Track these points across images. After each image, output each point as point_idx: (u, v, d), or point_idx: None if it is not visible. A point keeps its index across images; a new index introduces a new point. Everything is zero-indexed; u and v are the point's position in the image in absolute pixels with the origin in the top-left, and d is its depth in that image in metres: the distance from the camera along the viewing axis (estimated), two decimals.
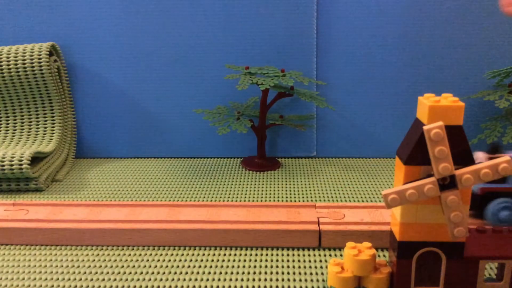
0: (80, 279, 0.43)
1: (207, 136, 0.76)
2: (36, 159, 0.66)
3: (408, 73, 0.73)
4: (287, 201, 0.60)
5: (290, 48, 0.72)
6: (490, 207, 0.48)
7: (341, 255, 0.47)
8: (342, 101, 0.74)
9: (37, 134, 0.71)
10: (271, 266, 0.45)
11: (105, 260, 0.47)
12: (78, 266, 0.46)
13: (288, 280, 0.43)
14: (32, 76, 0.69)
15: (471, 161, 0.34)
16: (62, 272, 0.45)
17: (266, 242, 0.49)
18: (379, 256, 0.47)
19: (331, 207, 0.53)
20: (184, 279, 0.43)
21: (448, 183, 0.34)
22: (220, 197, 0.61)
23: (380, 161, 0.74)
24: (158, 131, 0.77)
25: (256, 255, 0.47)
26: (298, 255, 0.47)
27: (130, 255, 0.48)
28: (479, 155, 0.47)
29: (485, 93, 0.68)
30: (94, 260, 0.47)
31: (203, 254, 0.48)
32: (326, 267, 0.45)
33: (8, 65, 0.69)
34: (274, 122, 0.70)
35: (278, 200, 0.60)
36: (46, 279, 0.44)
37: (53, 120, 0.72)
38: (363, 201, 0.60)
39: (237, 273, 0.44)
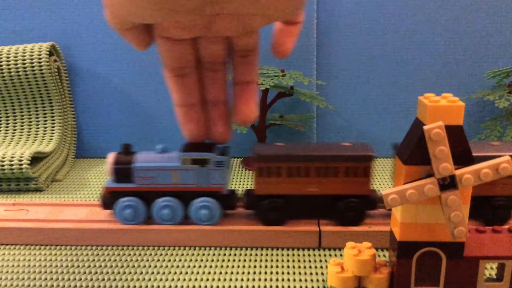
0: (80, 279, 0.43)
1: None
2: (36, 159, 0.66)
3: (408, 73, 0.73)
4: None
5: None
6: (116, 206, 0.49)
7: (341, 255, 0.47)
8: (342, 101, 0.74)
9: (37, 134, 0.71)
10: (271, 266, 0.45)
11: (105, 260, 0.47)
12: (78, 266, 0.46)
13: (288, 280, 0.43)
14: (32, 76, 0.69)
15: (471, 161, 0.34)
16: (62, 272, 0.45)
17: (266, 242, 0.48)
18: (379, 256, 0.47)
19: None
20: (184, 279, 0.43)
21: (448, 183, 0.34)
22: None
23: (380, 161, 0.74)
24: (157, 131, 0.77)
25: (256, 255, 0.47)
26: (298, 255, 0.47)
27: (130, 255, 0.48)
28: (110, 155, 0.49)
29: (485, 93, 0.68)
30: (94, 260, 0.47)
31: (203, 254, 0.48)
32: (326, 267, 0.45)
33: (8, 65, 0.69)
34: (274, 122, 0.70)
35: None
36: (46, 279, 0.44)
37: (53, 120, 0.72)
38: None
39: (237, 273, 0.44)
